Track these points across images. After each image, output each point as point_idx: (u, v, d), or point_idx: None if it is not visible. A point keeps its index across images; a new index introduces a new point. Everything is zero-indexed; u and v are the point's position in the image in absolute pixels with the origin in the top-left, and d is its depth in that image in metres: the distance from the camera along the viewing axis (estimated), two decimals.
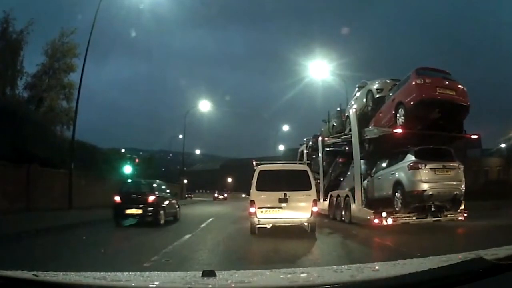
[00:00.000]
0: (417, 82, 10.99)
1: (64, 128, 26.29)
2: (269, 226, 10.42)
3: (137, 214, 13.31)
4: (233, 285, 1.76)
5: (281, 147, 60.44)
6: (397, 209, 11.11)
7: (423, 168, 10.49)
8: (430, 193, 10.46)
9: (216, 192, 62.47)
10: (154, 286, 1.84)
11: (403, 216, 11.00)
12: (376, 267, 1.95)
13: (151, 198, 13.40)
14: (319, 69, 27.12)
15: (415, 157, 10.69)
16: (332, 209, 15.16)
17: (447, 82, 11.07)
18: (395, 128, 11.33)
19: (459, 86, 11.15)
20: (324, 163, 17.18)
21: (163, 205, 13.96)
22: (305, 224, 10.27)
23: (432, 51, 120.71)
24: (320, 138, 17.39)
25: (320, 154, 17.37)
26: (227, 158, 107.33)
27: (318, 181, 16.08)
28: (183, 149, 49.60)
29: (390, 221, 10.88)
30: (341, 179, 15.97)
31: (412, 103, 11.02)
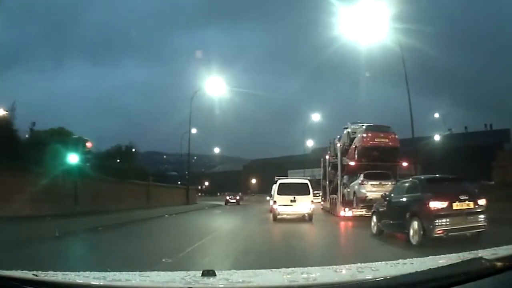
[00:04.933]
0: (363, 135, 18.16)
1: None
2: (284, 216, 17.14)
3: (233, 202, 42.64)
4: (233, 285, 1.76)
5: (310, 143, 55.00)
6: (354, 206, 17.62)
7: (366, 184, 16.93)
8: (370, 198, 16.29)
9: (227, 194, 49.74)
10: (154, 286, 1.85)
11: (357, 210, 17.30)
12: (376, 267, 1.95)
13: (237, 197, 45.06)
14: (364, 30, 20.69)
15: (363, 177, 17.20)
16: (330, 206, 22.18)
17: (382, 134, 18.01)
18: (352, 161, 18.85)
19: (391, 136, 18.08)
20: (330, 174, 23.79)
21: (240, 199, 45.65)
22: (306, 215, 16.80)
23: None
24: (327, 157, 24.74)
25: (327, 168, 24.73)
26: (251, 159, 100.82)
27: (330, 186, 23.56)
28: (189, 146, 40.65)
29: (350, 213, 17.64)
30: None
31: (361, 147, 18.21)
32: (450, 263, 1.71)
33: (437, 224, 8.04)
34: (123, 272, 1.89)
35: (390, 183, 16.89)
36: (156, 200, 31.13)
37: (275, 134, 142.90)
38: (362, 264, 2.02)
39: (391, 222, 10.01)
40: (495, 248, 1.96)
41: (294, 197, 16.55)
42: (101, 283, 1.70)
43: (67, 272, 1.79)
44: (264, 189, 55.88)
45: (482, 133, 47.18)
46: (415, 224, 8.44)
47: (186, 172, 49.20)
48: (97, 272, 1.83)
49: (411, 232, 8.52)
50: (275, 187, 17.82)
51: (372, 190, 16.73)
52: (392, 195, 10.60)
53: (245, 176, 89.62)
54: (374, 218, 11.25)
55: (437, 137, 43.31)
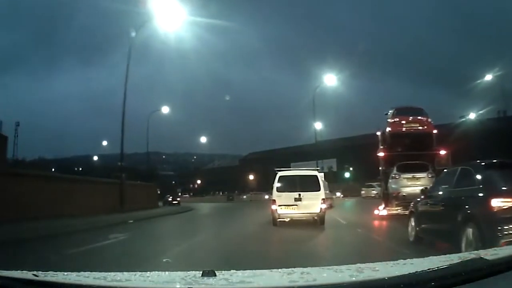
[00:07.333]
0: (390, 121, 16.26)
1: None
2: (287, 220, 13.38)
3: (174, 203, 44.56)
4: (233, 285, 1.76)
5: (318, 126, 45.23)
6: (389, 204, 15.58)
7: (398, 177, 15.05)
8: (403, 194, 14.63)
9: (169, 196, 49.48)
10: (154, 286, 1.85)
11: (392, 209, 15.16)
12: (376, 267, 1.95)
13: (178, 199, 48.77)
14: None
15: (396, 170, 15.27)
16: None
17: (411, 118, 15.83)
18: (382, 151, 16.51)
19: (424, 120, 15.83)
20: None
21: (179, 200, 48.77)
22: (316, 218, 13.08)
23: None
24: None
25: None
26: (249, 152, 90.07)
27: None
28: (123, 111, 24.15)
29: (385, 212, 15.37)
30: None
31: (389, 134, 16.22)
32: (450, 263, 1.71)
33: (504, 232, 5.59)
34: (124, 273, 1.90)
35: (426, 175, 14.76)
36: (29, 206, 15.15)
37: (277, 123, 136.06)
38: (362, 264, 2.03)
39: (434, 227, 7.70)
40: (495, 248, 1.98)
41: (299, 195, 12.88)
42: (101, 283, 1.71)
43: (67, 272, 1.79)
44: (264, 186, 49.16)
45: (497, 119, 45.58)
46: (469, 232, 6.02)
47: (120, 163, 26.75)
48: (98, 273, 1.84)
49: (463, 242, 6.09)
50: (275, 183, 14.20)
51: (406, 184, 14.83)
52: (435, 189, 8.22)
53: (241, 172, 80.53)
54: (412, 221, 8.87)
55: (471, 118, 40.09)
